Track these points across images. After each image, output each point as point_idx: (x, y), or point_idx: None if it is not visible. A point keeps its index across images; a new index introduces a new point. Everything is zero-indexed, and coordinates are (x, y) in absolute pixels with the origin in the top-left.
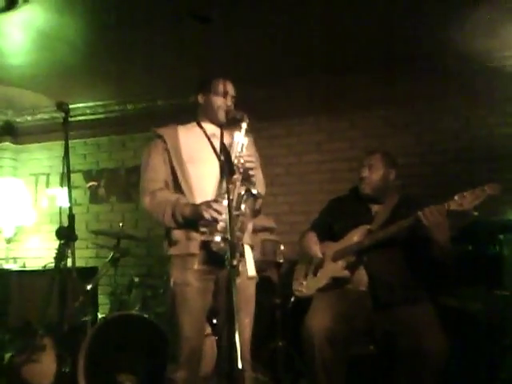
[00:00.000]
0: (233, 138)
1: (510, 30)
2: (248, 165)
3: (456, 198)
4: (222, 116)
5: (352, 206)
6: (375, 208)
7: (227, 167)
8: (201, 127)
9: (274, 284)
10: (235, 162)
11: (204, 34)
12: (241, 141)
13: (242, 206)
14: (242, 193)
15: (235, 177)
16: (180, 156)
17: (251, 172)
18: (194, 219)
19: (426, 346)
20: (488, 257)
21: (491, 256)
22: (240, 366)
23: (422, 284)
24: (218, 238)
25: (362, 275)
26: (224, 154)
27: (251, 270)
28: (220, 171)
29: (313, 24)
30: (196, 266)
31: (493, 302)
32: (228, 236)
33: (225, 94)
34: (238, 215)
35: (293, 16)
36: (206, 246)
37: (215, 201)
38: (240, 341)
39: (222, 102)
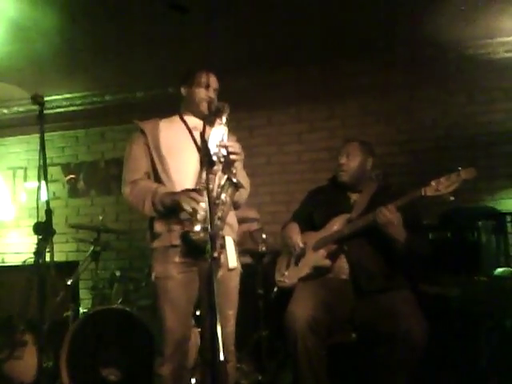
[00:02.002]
0: (215, 132)
1: (486, 19)
2: (232, 156)
3: (432, 183)
4: (204, 108)
5: (331, 195)
6: (354, 196)
7: (206, 158)
8: (183, 120)
9: (257, 274)
10: (216, 150)
11: (183, 24)
12: (221, 130)
13: (223, 195)
14: (223, 182)
15: (215, 168)
16: (159, 149)
17: (233, 158)
18: (173, 208)
19: (405, 332)
20: (466, 243)
21: (469, 243)
22: (222, 357)
23: (402, 271)
24: (197, 228)
25: (342, 264)
26: (203, 145)
27: (232, 261)
28: (200, 162)
29: (293, 15)
30: (177, 259)
31: (471, 287)
32: (208, 226)
33: (207, 86)
34: (218, 204)
35: (272, 6)
36: (186, 236)
37: (194, 190)
38: (224, 333)
39: (204, 94)
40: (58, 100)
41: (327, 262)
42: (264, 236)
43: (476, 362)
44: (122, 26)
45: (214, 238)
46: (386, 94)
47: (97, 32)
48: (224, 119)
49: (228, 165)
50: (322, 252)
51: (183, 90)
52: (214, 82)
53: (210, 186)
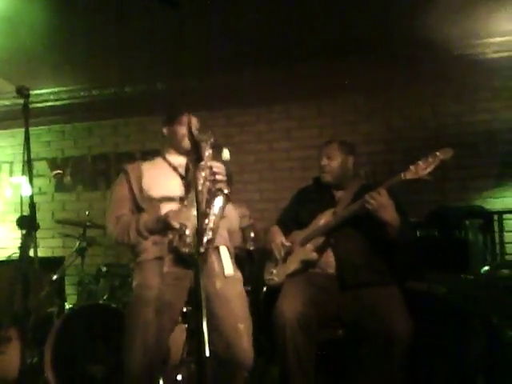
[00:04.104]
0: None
1: (474, 19)
2: (217, 170)
3: (411, 167)
4: (185, 143)
5: (316, 194)
6: (338, 194)
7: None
8: (166, 160)
9: (245, 271)
10: (205, 175)
11: (174, 19)
12: (206, 153)
13: (212, 209)
14: (213, 191)
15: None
16: (140, 184)
17: (219, 178)
18: (160, 230)
19: (388, 329)
20: (454, 242)
21: (457, 241)
22: (207, 353)
23: (389, 268)
24: (188, 240)
25: (329, 258)
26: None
27: (228, 269)
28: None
29: (283, 13)
30: (165, 269)
31: (458, 285)
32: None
33: (189, 125)
34: (208, 214)
35: (263, 4)
36: (175, 250)
37: (181, 209)
38: (239, 349)
39: (185, 131)
40: (45, 94)
41: (314, 255)
42: (252, 234)
43: (463, 359)
44: (111, 20)
45: (201, 234)
46: (375, 93)
47: (85, 26)
48: (208, 145)
49: (215, 183)
50: (310, 246)
51: (165, 131)
52: (195, 123)
53: (200, 182)
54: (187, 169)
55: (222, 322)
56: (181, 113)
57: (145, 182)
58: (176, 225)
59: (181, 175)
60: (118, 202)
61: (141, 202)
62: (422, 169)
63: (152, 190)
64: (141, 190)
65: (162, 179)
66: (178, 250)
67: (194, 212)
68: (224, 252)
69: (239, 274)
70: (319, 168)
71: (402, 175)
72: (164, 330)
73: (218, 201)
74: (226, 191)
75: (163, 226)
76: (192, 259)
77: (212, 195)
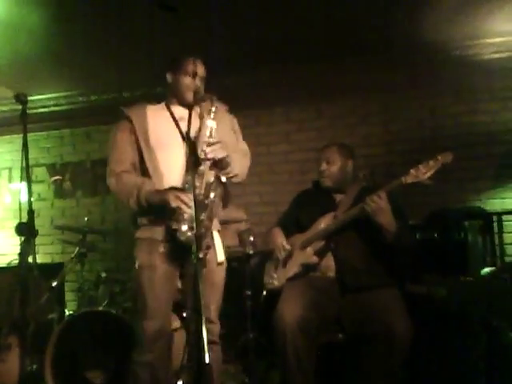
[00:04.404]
0: (202, 121)
1: (473, 20)
2: (215, 154)
3: (412, 171)
4: (189, 96)
5: (316, 197)
6: (338, 197)
7: (192, 159)
8: (169, 110)
9: (245, 275)
10: (203, 147)
11: (171, 22)
12: (209, 125)
13: (211, 194)
14: (211, 180)
15: (201, 168)
16: (148, 140)
17: (219, 157)
18: (159, 206)
19: (388, 332)
20: (453, 243)
21: (456, 243)
22: (207, 360)
23: (388, 270)
24: (184, 227)
25: (329, 261)
26: (188, 144)
27: (220, 255)
28: (187, 156)
29: (282, 15)
30: (161, 249)
31: (458, 287)
32: (194, 225)
33: (194, 74)
34: (206, 204)
35: (262, 6)
36: (171, 233)
37: (183, 190)
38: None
39: (190, 82)
40: (43, 100)
41: (315, 259)
42: (251, 238)
43: (463, 361)
44: (109, 24)
45: (200, 239)
46: (373, 95)
47: (83, 31)
48: (212, 113)
49: (216, 163)
50: (310, 250)
51: (169, 77)
52: (201, 70)
53: (197, 184)
54: (188, 137)
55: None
56: (186, 60)
57: (151, 137)
58: (173, 204)
59: (182, 133)
60: (119, 154)
61: (146, 156)
62: (423, 173)
63: (157, 149)
64: (148, 146)
65: (164, 132)
66: (174, 234)
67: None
68: (216, 238)
69: (225, 261)
70: (318, 172)
71: (403, 179)
72: (169, 299)
73: (216, 188)
74: (223, 179)
75: (161, 201)
76: (187, 248)
77: (210, 185)
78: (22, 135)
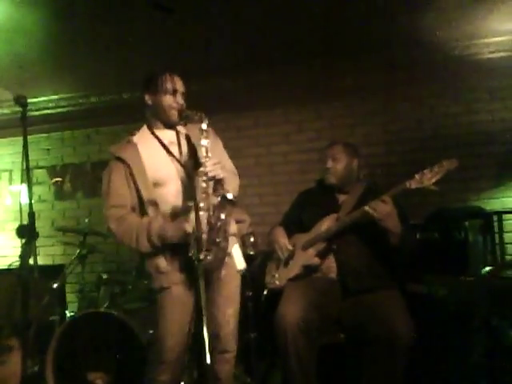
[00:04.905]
0: (193, 139)
1: (472, 20)
2: (215, 172)
3: (416, 176)
4: (174, 116)
5: (319, 197)
6: (342, 198)
7: (192, 160)
8: (156, 136)
9: (246, 276)
10: (202, 167)
11: (170, 25)
12: (204, 144)
13: (222, 215)
14: (217, 201)
15: (204, 186)
16: (146, 180)
17: (220, 177)
18: (174, 238)
19: (391, 333)
20: (454, 243)
21: (457, 242)
22: (208, 361)
23: (390, 271)
24: (202, 256)
25: (331, 263)
26: (186, 170)
27: (240, 263)
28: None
29: (280, 16)
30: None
31: (458, 287)
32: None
33: (174, 92)
34: (219, 226)
35: (259, 8)
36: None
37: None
38: (224, 333)
39: (172, 101)
40: (43, 101)
41: (316, 261)
42: (252, 239)
43: (464, 361)
44: (109, 26)
45: (200, 240)
46: (372, 95)
47: (82, 33)
48: (204, 132)
49: (217, 182)
50: (311, 251)
51: (148, 99)
52: (180, 85)
53: (202, 205)
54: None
55: (217, 307)
56: (163, 77)
57: (150, 176)
58: (190, 229)
59: (176, 160)
60: (117, 199)
61: (145, 197)
62: (428, 178)
63: (157, 186)
64: (146, 181)
65: (160, 165)
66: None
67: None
68: (235, 246)
69: (244, 266)
70: (323, 170)
71: (408, 184)
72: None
73: (225, 207)
74: (229, 197)
75: (176, 231)
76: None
77: (217, 206)
78: (22, 137)
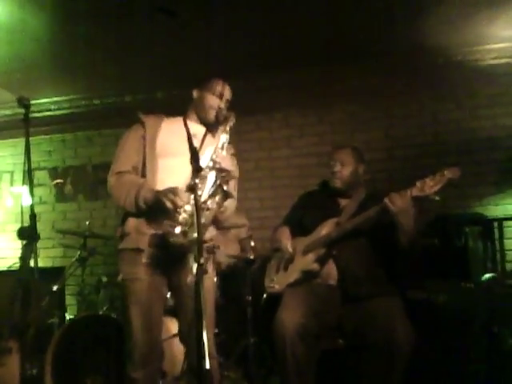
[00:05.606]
0: (217, 139)
1: (473, 26)
2: (224, 163)
3: (417, 184)
4: (211, 116)
5: (321, 200)
6: (343, 202)
7: (195, 164)
8: (185, 125)
9: (245, 281)
10: (213, 157)
11: (172, 29)
12: (223, 139)
13: (209, 201)
14: (213, 189)
15: (203, 172)
16: (154, 148)
17: (228, 168)
18: (154, 205)
19: (391, 339)
20: (454, 249)
21: (457, 249)
22: (208, 365)
23: (390, 277)
24: (177, 230)
25: (331, 269)
26: (192, 151)
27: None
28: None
29: (281, 20)
30: (144, 260)
31: (459, 294)
32: (187, 229)
33: (220, 95)
34: (203, 209)
35: (261, 12)
36: (157, 239)
37: (177, 189)
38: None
39: (214, 102)
40: (46, 103)
41: (316, 266)
42: (252, 243)
43: (464, 368)
44: (111, 29)
45: (201, 244)
46: (374, 100)
47: (85, 35)
48: (228, 127)
49: (220, 174)
50: (311, 256)
51: (195, 93)
52: (227, 93)
53: (199, 192)
54: (191, 146)
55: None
56: (216, 80)
57: (158, 145)
58: (169, 205)
59: (191, 147)
60: (124, 155)
61: (148, 163)
62: (429, 187)
63: (161, 158)
64: (153, 149)
65: (172, 142)
66: (165, 237)
67: (192, 201)
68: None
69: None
70: (331, 173)
71: (409, 191)
72: (158, 311)
73: (216, 197)
74: (225, 188)
75: (155, 200)
76: (177, 252)
77: (210, 192)
78: (24, 139)
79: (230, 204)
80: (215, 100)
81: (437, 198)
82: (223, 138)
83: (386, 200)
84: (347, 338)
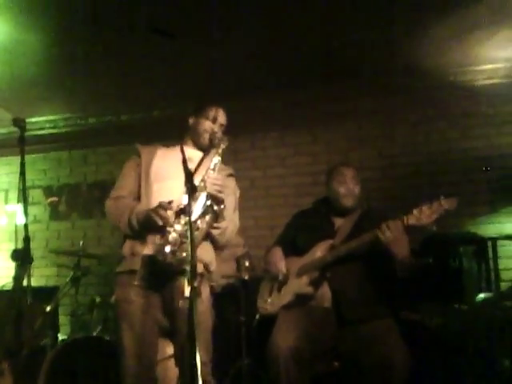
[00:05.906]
0: (209, 161)
1: (466, 47)
2: (214, 188)
3: (414, 212)
4: (205, 139)
5: (315, 220)
6: (338, 222)
7: (189, 184)
8: (182, 150)
9: (240, 301)
10: (205, 178)
11: (169, 50)
12: (214, 160)
13: (199, 221)
14: (203, 208)
15: (196, 194)
16: (148, 172)
17: (218, 195)
18: (146, 225)
19: (387, 363)
20: (448, 269)
21: (451, 268)
22: None
23: (385, 299)
24: (167, 249)
25: (325, 291)
26: (185, 171)
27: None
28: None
29: (277, 41)
30: (136, 282)
31: (452, 316)
32: (176, 248)
33: (214, 120)
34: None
35: (257, 33)
36: (148, 259)
37: (168, 206)
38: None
39: (208, 127)
40: (41, 122)
41: (310, 290)
42: (247, 263)
43: None
44: (107, 49)
45: (195, 267)
46: (368, 120)
47: (81, 54)
48: (220, 150)
49: (213, 195)
50: (305, 279)
51: (191, 120)
52: (222, 117)
53: (192, 214)
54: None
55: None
56: (210, 106)
57: (153, 171)
58: (158, 221)
59: (186, 172)
60: (121, 182)
61: (142, 189)
62: (426, 215)
63: (155, 182)
64: (148, 175)
65: (166, 167)
66: (154, 256)
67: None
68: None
69: (207, 291)
70: (344, 189)
71: (405, 219)
72: (151, 333)
73: (206, 217)
74: (215, 208)
75: (146, 218)
76: (168, 272)
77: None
78: (18, 157)
79: (229, 225)
80: (209, 124)
81: (434, 227)
82: (215, 159)
83: (378, 231)
84: (342, 361)
